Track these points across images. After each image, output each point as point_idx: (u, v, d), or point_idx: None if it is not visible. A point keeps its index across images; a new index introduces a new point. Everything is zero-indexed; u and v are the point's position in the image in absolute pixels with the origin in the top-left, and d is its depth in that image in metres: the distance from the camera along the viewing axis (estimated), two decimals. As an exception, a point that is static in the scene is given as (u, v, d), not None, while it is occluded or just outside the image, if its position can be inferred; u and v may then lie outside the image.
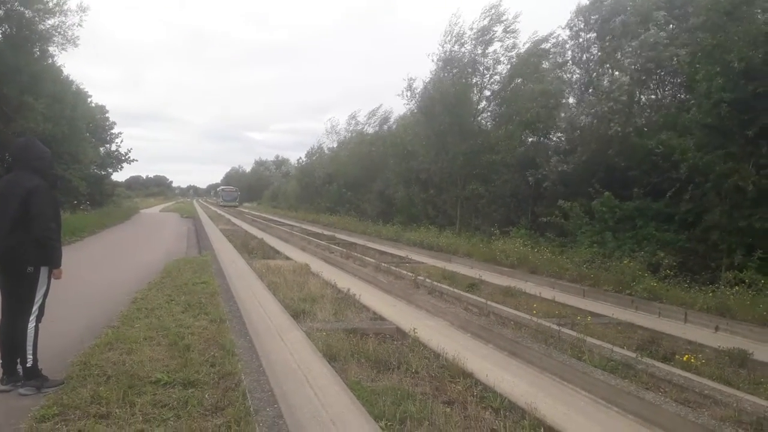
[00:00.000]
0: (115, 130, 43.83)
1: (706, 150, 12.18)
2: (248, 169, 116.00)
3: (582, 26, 20.13)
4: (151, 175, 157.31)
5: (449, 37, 24.46)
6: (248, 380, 4.87)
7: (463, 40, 24.29)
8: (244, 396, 4.46)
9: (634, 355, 6.54)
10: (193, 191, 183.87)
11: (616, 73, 17.36)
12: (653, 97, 18.01)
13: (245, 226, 32.14)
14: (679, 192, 13.38)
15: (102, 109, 42.47)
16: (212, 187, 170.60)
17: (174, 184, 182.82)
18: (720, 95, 11.73)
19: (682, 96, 16.53)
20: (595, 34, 19.86)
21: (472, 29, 24.07)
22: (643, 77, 17.30)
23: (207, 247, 17.95)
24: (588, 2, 19.86)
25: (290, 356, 6.21)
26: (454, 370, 6.05)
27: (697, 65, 13.44)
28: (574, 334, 7.42)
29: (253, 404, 4.33)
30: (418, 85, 25.31)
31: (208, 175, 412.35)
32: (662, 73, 17.57)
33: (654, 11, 17.03)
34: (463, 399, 5.33)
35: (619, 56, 17.39)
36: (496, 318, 9.00)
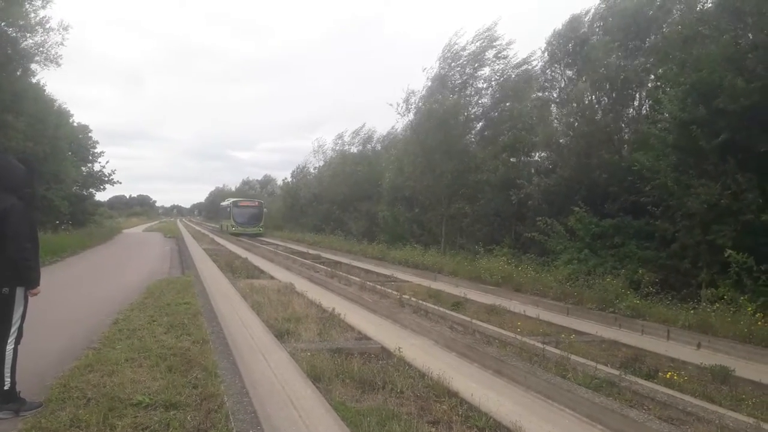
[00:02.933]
0: (97, 150, 43.52)
1: (679, 170, 12.42)
2: (233, 188, 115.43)
3: (558, 49, 20.55)
4: (134, 195, 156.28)
5: (447, 54, 24.82)
6: (231, 402, 4.81)
7: (459, 61, 24.65)
8: (226, 418, 4.40)
9: (617, 372, 6.58)
10: (176, 210, 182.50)
11: (588, 94, 17.69)
12: (628, 115, 18.34)
13: (230, 246, 31.94)
14: (656, 208, 13.58)
15: (85, 129, 42.16)
16: (197, 206, 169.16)
17: (157, 204, 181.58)
18: (684, 115, 12.03)
19: (654, 113, 16.86)
20: (570, 58, 20.29)
21: (466, 50, 24.47)
22: (614, 95, 17.69)
23: (190, 267, 17.77)
24: (561, 27, 20.30)
25: (274, 377, 6.15)
26: (440, 389, 6.03)
27: (661, 85, 13.88)
28: (558, 352, 7.45)
29: (236, 426, 4.27)
30: (413, 100, 25.49)
31: (192, 194, 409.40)
32: (635, 93, 17.93)
33: (619, 31, 17.50)
34: (448, 419, 5.30)
35: (590, 77, 17.76)
36: (481, 336, 9.01)
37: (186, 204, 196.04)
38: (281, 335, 8.39)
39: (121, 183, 46.62)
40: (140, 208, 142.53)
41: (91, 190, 42.37)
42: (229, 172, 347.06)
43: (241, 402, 4.89)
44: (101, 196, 52.16)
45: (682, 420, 5.38)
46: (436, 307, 11.34)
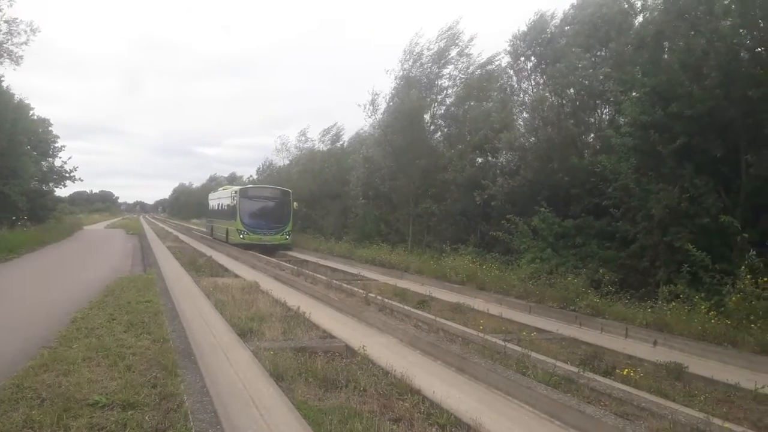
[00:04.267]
0: (58, 144, 42.28)
1: (640, 172, 12.73)
2: (199, 184, 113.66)
3: (522, 51, 20.77)
4: (96, 191, 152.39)
5: (408, 56, 24.87)
6: (191, 401, 4.77)
7: (421, 61, 24.73)
8: (185, 417, 4.36)
9: (576, 369, 6.72)
10: (140, 207, 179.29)
11: (552, 98, 17.99)
12: (591, 120, 18.69)
13: (194, 243, 31.48)
14: (617, 210, 13.90)
15: (45, 122, 40.92)
16: (161, 203, 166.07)
17: (120, 200, 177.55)
18: (644, 119, 12.38)
19: (618, 119, 17.22)
20: (534, 61, 20.58)
21: (430, 50, 24.55)
22: (577, 102, 18.04)
23: (152, 264, 17.48)
24: (526, 29, 20.53)
25: (236, 376, 6.10)
26: (402, 387, 6.07)
27: (621, 92, 14.31)
28: (519, 349, 7.56)
29: (195, 426, 4.24)
30: (380, 101, 25.49)
31: (156, 190, 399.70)
32: (596, 99, 18.28)
33: (584, 37, 17.86)
34: (410, 416, 5.35)
35: (554, 82, 18.05)
36: (444, 334, 9.09)
37: (150, 200, 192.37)
38: (244, 334, 8.32)
39: (82, 180, 44.15)
40: (102, 204, 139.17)
41: (50, 185, 41.22)
42: (195, 169, 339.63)
43: (201, 401, 4.85)
44: (62, 192, 50.54)
45: (636, 415, 5.53)
46: (401, 306, 11.39)
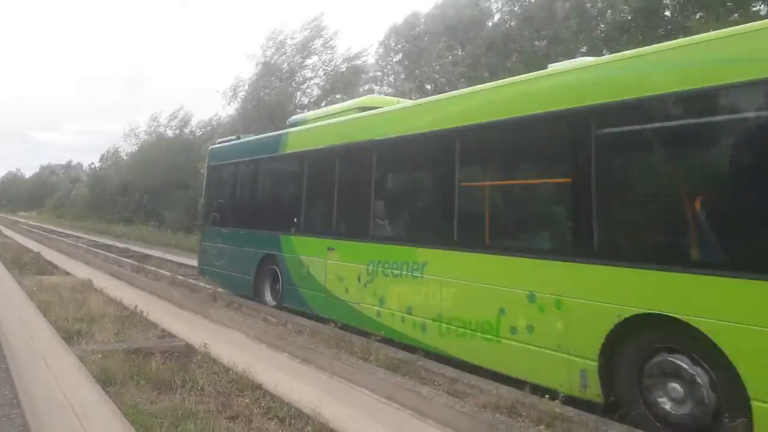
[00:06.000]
0: None
1: None
2: (27, 175, 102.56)
3: (393, 46, 21.32)
4: None
5: (271, 43, 24.29)
6: (-5, 416, 4.27)
7: (284, 49, 24.26)
8: (-14, 435, 3.90)
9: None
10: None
11: (412, 93, 18.65)
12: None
13: (19, 238, 28.29)
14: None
15: None
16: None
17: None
18: None
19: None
20: (400, 56, 21.20)
21: (293, 39, 24.16)
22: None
23: (-35, 264, 15.45)
24: (401, 23, 21.08)
25: (55, 384, 5.56)
26: (244, 383, 5.93)
27: None
28: (364, 337, 7.73)
29: (-2, 443, 3.80)
30: (241, 88, 24.67)
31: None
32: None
33: (445, 37, 18.75)
34: (249, 412, 5.23)
35: (415, 78, 18.72)
36: (293, 326, 9.02)
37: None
38: (70, 337, 7.60)
39: None
40: None
41: None
42: (30, 155, 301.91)
43: (8, 415, 4.39)
44: None
45: (466, 393, 5.86)
46: (251, 301, 11.14)
